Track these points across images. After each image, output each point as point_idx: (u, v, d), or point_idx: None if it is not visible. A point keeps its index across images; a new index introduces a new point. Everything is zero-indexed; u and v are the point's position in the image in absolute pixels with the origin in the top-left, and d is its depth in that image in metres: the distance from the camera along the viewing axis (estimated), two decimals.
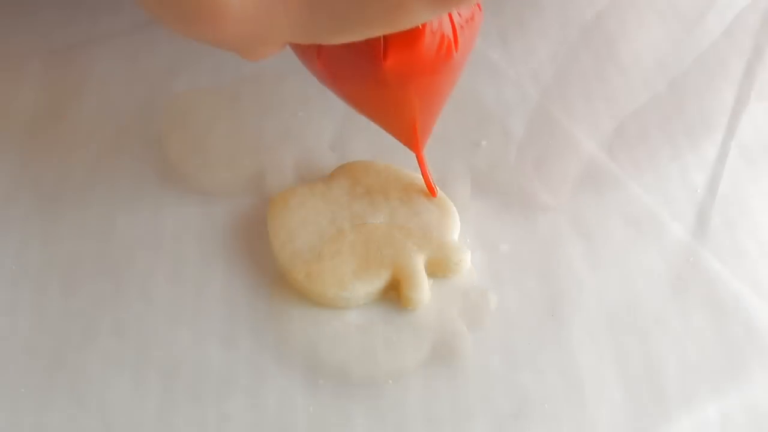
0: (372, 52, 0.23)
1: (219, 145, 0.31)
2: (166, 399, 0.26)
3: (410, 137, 0.28)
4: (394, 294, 0.27)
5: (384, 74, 0.23)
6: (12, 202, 0.30)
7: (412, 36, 0.23)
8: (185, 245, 0.29)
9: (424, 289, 0.27)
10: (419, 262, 0.27)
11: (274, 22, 0.21)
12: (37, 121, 0.32)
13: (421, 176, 0.29)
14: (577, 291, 0.28)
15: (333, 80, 0.25)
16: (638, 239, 0.29)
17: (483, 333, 0.27)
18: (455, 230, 0.28)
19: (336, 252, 0.27)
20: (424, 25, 0.23)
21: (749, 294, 0.28)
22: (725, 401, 0.25)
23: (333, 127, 0.32)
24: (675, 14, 0.36)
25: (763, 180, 0.31)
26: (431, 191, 0.29)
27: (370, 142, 0.31)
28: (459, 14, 0.24)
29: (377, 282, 0.27)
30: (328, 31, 0.21)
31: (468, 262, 0.28)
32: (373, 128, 0.31)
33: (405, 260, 0.27)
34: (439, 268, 0.28)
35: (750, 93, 0.33)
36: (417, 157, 0.28)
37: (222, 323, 0.27)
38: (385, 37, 0.23)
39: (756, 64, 0.34)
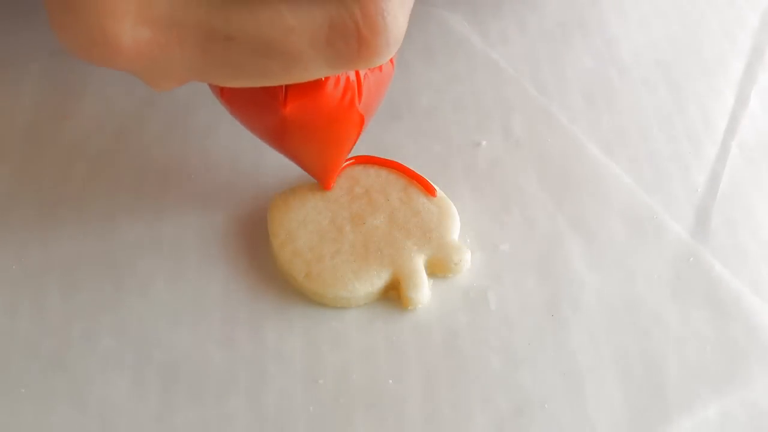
0: (273, 96, 0.24)
1: (219, 145, 0.31)
2: (166, 399, 0.26)
3: (317, 175, 0.28)
4: (394, 294, 0.27)
5: (283, 120, 0.24)
6: (12, 202, 0.30)
7: (314, 85, 0.23)
8: (185, 245, 0.29)
9: (424, 289, 0.27)
10: (419, 262, 0.28)
11: (169, 61, 0.21)
12: (37, 122, 0.32)
13: (421, 176, 0.29)
14: (577, 291, 0.28)
15: (236, 116, 0.26)
16: (638, 239, 0.29)
17: (483, 333, 0.27)
18: (455, 230, 0.28)
19: (336, 252, 0.27)
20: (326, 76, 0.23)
21: (749, 294, 0.28)
22: (725, 401, 0.25)
23: None
24: (675, 14, 0.36)
25: (763, 180, 0.31)
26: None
27: (370, 142, 0.31)
28: None
29: (377, 282, 0.27)
30: (224, 77, 0.21)
31: (468, 262, 0.28)
32: (373, 129, 0.31)
33: (405, 260, 0.27)
34: (439, 268, 0.28)
35: (750, 93, 0.33)
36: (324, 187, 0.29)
37: (222, 323, 0.27)
38: (287, 86, 0.23)
39: (756, 64, 0.34)
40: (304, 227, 0.28)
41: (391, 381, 0.26)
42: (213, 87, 0.25)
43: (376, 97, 0.26)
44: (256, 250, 0.29)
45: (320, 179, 0.29)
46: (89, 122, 0.32)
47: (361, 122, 0.26)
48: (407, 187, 0.29)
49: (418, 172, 0.29)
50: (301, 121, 0.24)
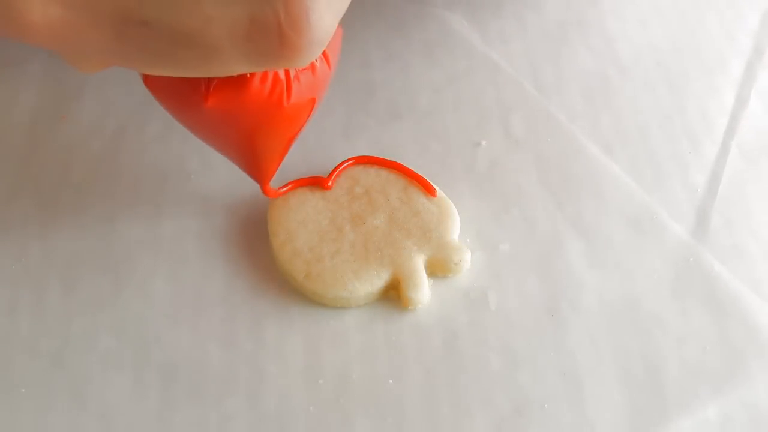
0: (195, 88, 0.23)
1: None
2: (166, 399, 0.26)
3: (253, 175, 0.27)
4: (394, 294, 0.27)
5: (205, 113, 0.23)
6: (12, 202, 0.30)
7: (239, 79, 0.22)
8: (185, 245, 0.29)
9: (424, 289, 0.27)
10: (419, 262, 0.27)
11: (82, 44, 0.20)
12: (37, 122, 0.32)
13: (421, 176, 0.29)
14: (577, 291, 0.28)
15: (161, 104, 0.25)
16: (638, 239, 0.29)
17: (483, 333, 0.27)
18: (455, 230, 0.28)
19: (336, 252, 0.27)
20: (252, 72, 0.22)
21: (749, 294, 0.28)
22: (725, 401, 0.25)
23: (333, 127, 0.32)
24: (675, 14, 0.36)
25: (763, 180, 0.31)
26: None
27: (370, 142, 0.31)
28: None
29: (377, 282, 0.27)
30: (141, 63, 0.20)
31: (468, 262, 0.28)
32: (373, 129, 0.31)
33: (405, 260, 0.27)
34: (439, 268, 0.28)
35: (750, 93, 0.33)
36: (261, 189, 0.28)
37: (222, 323, 0.27)
38: (211, 78, 0.22)
39: (756, 64, 0.34)
40: (304, 227, 0.28)
41: (391, 381, 0.26)
42: (139, 74, 0.24)
43: (309, 98, 0.24)
44: (256, 250, 0.29)
45: (256, 180, 0.27)
46: (89, 122, 0.32)
47: (292, 123, 0.25)
48: (407, 187, 0.29)
49: (418, 172, 0.29)
50: (224, 116, 0.23)
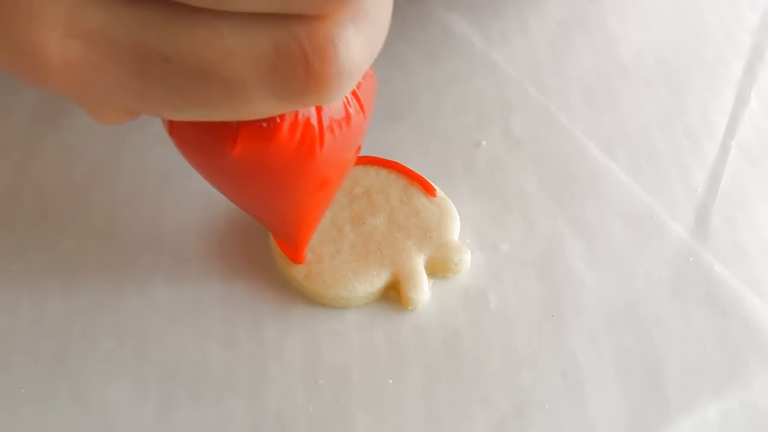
0: (222, 136, 0.21)
1: None
2: (166, 399, 0.26)
3: (281, 233, 0.26)
4: (394, 294, 0.27)
5: (232, 162, 0.21)
6: (13, 201, 0.30)
7: (269, 126, 0.21)
8: (185, 245, 0.29)
9: (424, 289, 0.27)
10: (419, 262, 0.27)
11: (103, 85, 0.19)
12: (37, 121, 0.32)
13: (421, 176, 0.29)
14: (577, 291, 0.28)
15: (186, 157, 0.23)
16: (638, 239, 0.29)
17: (483, 333, 0.27)
18: (455, 230, 0.28)
19: (336, 252, 0.27)
20: (282, 117, 0.21)
21: (749, 294, 0.28)
22: (725, 401, 0.25)
23: None
24: (675, 14, 0.36)
25: (763, 180, 0.31)
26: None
27: (370, 142, 0.31)
28: (329, 112, 0.22)
29: (377, 282, 0.27)
30: (164, 104, 0.19)
31: (468, 262, 0.28)
32: (373, 129, 0.31)
33: (405, 260, 0.27)
34: (439, 268, 0.28)
35: (750, 93, 0.33)
36: (296, 256, 0.27)
37: (222, 323, 0.27)
38: (238, 124, 0.21)
39: (756, 64, 0.34)
40: None
41: (391, 381, 0.26)
42: (163, 123, 0.23)
43: (342, 148, 0.23)
44: (256, 250, 0.29)
45: (289, 244, 0.26)
46: (89, 122, 0.32)
47: (324, 177, 0.23)
48: (407, 187, 0.29)
49: (418, 172, 0.29)
50: (251, 166, 0.21)
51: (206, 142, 0.21)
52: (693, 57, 0.35)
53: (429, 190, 0.29)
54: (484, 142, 0.32)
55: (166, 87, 0.18)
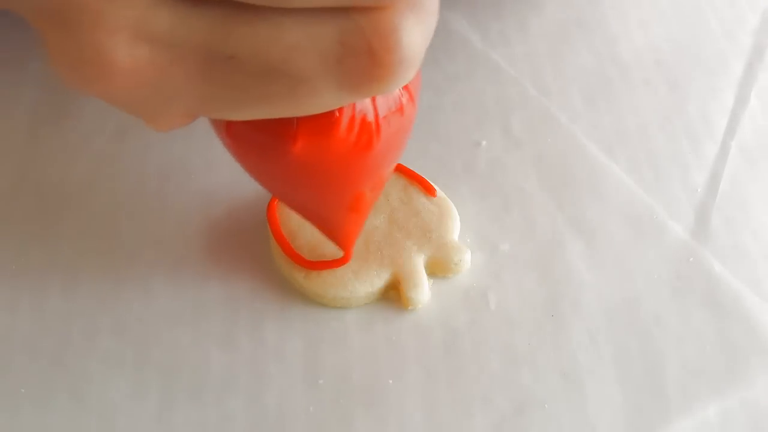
0: (282, 133, 0.21)
1: (219, 145, 0.31)
2: (166, 399, 0.26)
3: (332, 228, 0.26)
4: (394, 294, 0.27)
5: (291, 160, 0.21)
6: (13, 201, 0.30)
7: (327, 121, 0.21)
8: (185, 245, 0.29)
9: (424, 289, 0.27)
10: (419, 262, 0.28)
11: (171, 88, 0.19)
12: (38, 121, 0.32)
13: (421, 176, 0.29)
14: (577, 291, 0.28)
15: (243, 159, 0.23)
16: (638, 239, 0.29)
17: (483, 333, 0.27)
18: (455, 230, 0.28)
19: (336, 252, 0.27)
20: (341, 111, 0.21)
21: (749, 294, 0.28)
22: (725, 401, 0.25)
23: None
24: (675, 14, 0.36)
25: (763, 180, 0.31)
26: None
27: None
28: (384, 104, 0.22)
29: (377, 282, 0.27)
30: (228, 103, 0.19)
31: (468, 262, 0.28)
32: None
33: (405, 260, 0.27)
34: (439, 268, 0.28)
35: (750, 93, 0.33)
36: (345, 253, 0.27)
37: (222, 323, 0.27)
38: (297, 120, 0.21)
39: (756, 64, 0.34)
40: (304, 227, 0.28)
41: (391, 381, 0.26)
42: (217, 126, 0.23)
43: (396, 141, 0.23)
44: (257, 250, 0.29)
45: (340, 241, 0.26)
46: (89, 122, 0.32)
47: (380, 169, 0.23)
48: (407, 187, 0.29)
49: (418, 172, 0.29)
50: (311, 163, 0.22)
51: (265, 141, 0.22)
52: (693, 57, 0.35)
53: (429, 190, 0.29)
54: (484, 142, 0.32)
55: (232, 86, 0.19)
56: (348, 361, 0.26)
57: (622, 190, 0.30)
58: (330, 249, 0.28)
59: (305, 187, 0.23)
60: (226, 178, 0.30)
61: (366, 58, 0.18)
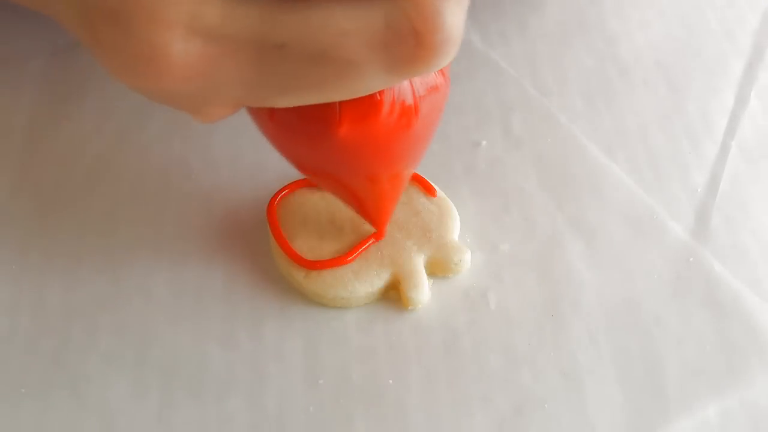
0: (327, 118, 0.22)
1: (220, 145, 0.31)
2: (166, 399, 0.26)
3: (369, 211, 0.26)
4: (394, 294, 0.27)
5: (338, 142, 0.22)
6: (13, 201, 0.30)
7: (370, 104, 0.22)
8: (185, 245, 0.29)
9: (424, 289, 0.27)
10: (419, 262, 0.28)
11: (220, 80, 0.19)
12: (38, 122, 0.32)
13: (421, 176, 0.29)
14: (577, 291, 0.28)
15: (285, 145, 0.24)
16: (638, 239, 0.29)
17: (483, 333, 0.27)
18: (455, 230, 0.28)
19: (336, 252, 0.27)
20: (382, 94, 0.22)
21: (749, 294, 0.28)
22: (725, 401, 0.25)
23: None
24: (675, 14, 0.36)
25: (763, 180, 0.31)
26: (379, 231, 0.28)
27: None
28: (421, 84, 0.23)
29: (377, 282, 0.27)
30: (277, 91, 0.20)
31: (468, 262, 0.28)
32: None
33: (405, 260, 0.27)
34: (439, 268, 0.28)
35: (750, 93, 0.33)
36: (379, 230, 0.27)
37: (222, 323, 0.27)
38: (341, 105, 0.22)
39: (756, 64, 0.34)
40: (304, 227, 0.28)
41: (391, 381, 0.26)
42: (259, 115, 0.24)
43: (433, 119, 0.24)
44: (256, 250, 0.29)
45: (376, 219, 0.27)
46: (89, 122, 0.32)
47: (417, 147, 0.24)
48: (407, 187, 0.29)
49: (418, 172, 0.29)
50: (356, 144, 0.22)
51: (309, 127, 0.22)
52: (693, 57, 0.35)
53: (429, 190, 0.29)
54: (484, 142, 0.32)
55: (282, 74, 0.19)
56: (348, 361, 0.26)
57: (622, 190, 0.30)
58: (330, 249, 0.28)
59: (346, 169, 0.24)
60: (226, 178, 0.30)
61: (411, 40, 0.19)
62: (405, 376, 0.26)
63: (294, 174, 0.29)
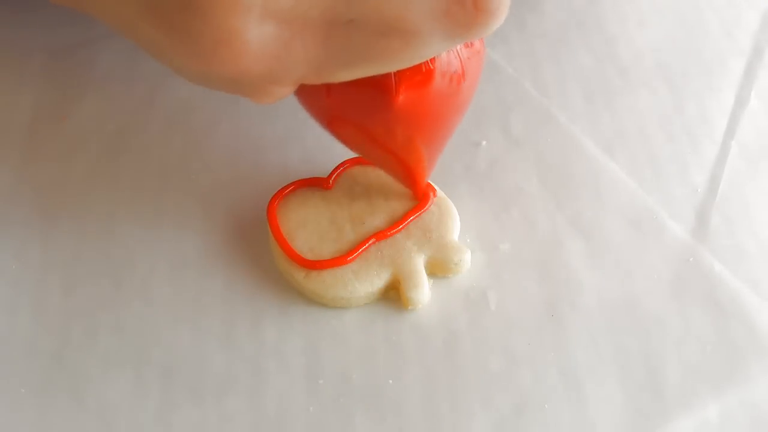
0: (383, 88, 0.23)
1: (219, 145, 0.31)
2: (166, 399, 0.26)
3: (413, 176, 0.27)
4: (394, 294, 0.27)
5: (395, 110, 0.23)
6: (12, 201, 0.30)
7: (424, 71, 0.23)
8: (185, 245, 0.29)
9: (424, 289, 0.27)
10: (419, 262, 0.28)
11: (290, 59, 0.20)
12: (37, 121, 0.32)
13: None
14: (577, 291, 0.28)
15: (341, 120, 0.25)
16: (638, 239, 0.29)
17: (483, 333, 0.27)
18: (455, 230, 0.28)
19: (336, 252, 0.27)
20: (433, 61, 0.23)
21: (749, 294, 0.28)
22: (725, 401, 0.25)
23: None
24: (675, 14, 0.36)
25: (763, 180, 0.31)
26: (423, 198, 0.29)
27: None
28: (464, 49, 0.24)
29: (377, 282, 0.27)
30: (342, 66, 0.21)
31: (468, 262, 0.28)
32: None
33: (405, 260, 0.27)
34: (439, 268, 0.28)
35: (750, 93, 0.33)
36: (417, 193, 0.28)
37: (222, 323, 0.27)
38: (396, 74, 0.23)
39: (756, 64, 0.34)
40: (304, 227, 0.28)
41: (391, 381, 0.26)
42: (313, 96, 0.25)
43: (475, 80, 0.25)
44: (256, 250, 0.29)
45: (415, 184, 0.28)
46: (89, 122, 0.32)
47: (461, 110, 0.25)
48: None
49: None
50: (412, 111, 0.24)
51: (366, 99, 0.23)
52: (693, 57, 0.35)
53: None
54: (484, 142, 0.32)
55: (348, 49, 0.20)
56: (348, 361, 0.26)
57: (622, 190, 0.30)
58: (330, 249, 0.28)
59: (399, 137, 0.25)
60: (226, 178, 0.30)
61: (471, 6, 0.20)
62: (405, 376, 0.26)
63: (294, 174, 0.30)
